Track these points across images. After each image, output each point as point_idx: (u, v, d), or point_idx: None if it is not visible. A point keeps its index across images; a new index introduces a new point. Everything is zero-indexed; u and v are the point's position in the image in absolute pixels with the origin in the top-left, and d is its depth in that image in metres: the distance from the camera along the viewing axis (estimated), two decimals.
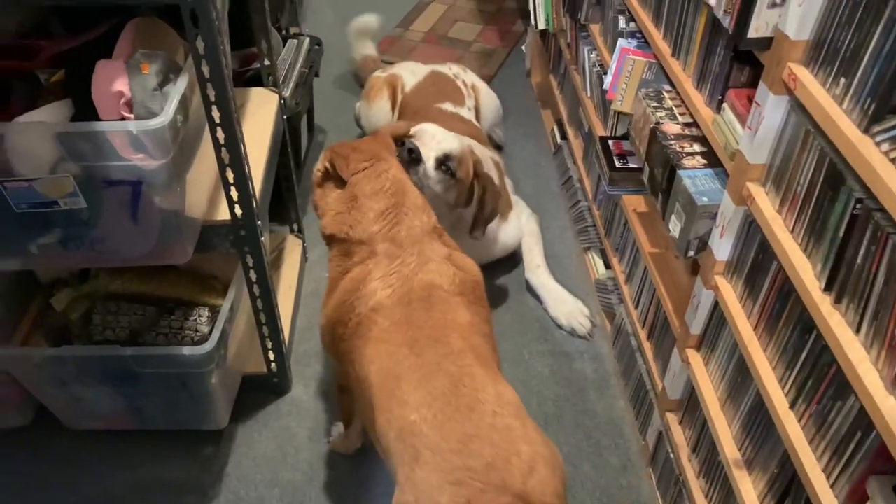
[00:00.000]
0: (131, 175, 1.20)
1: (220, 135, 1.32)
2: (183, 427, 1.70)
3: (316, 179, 1.48)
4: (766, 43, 1.06)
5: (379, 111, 2.38)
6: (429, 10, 3.45)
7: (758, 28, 1.06)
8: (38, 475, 1.66)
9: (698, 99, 1.34)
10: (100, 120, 1.19)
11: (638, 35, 1.68)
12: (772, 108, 1.05)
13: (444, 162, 1.71)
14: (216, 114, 1.28)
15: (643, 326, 1.74)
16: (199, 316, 1.54)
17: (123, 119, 1.19)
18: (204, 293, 1.60)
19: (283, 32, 2.30)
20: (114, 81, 1.15)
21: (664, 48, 1.49)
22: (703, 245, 1.32)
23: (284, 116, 1.92)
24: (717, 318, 1.33)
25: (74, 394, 1.55)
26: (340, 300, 1.32)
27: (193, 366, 1.46)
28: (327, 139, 2.68)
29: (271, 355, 1.75)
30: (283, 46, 2.22)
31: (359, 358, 1.26)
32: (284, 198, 2.11)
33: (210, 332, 1.50)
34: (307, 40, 2.28)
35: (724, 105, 1.23)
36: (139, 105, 1.16)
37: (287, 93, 2.06)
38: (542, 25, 2.43)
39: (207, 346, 1.44)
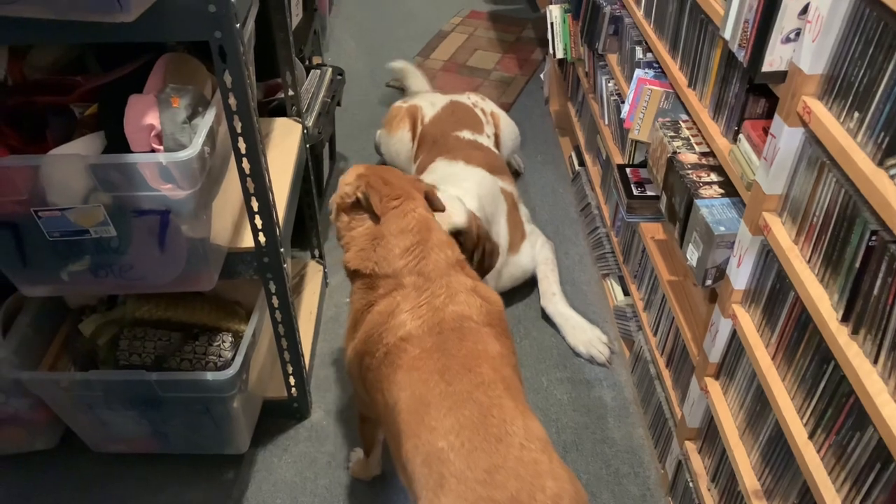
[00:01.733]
0: (160, 205, 1.24)
1: (246, 165, 1.36)
2: (205, 451, 1.72)
3: (343, 205, 1.48)
4: (780, 76, 1.08)
5: (399, 141, 2.42)
6: (449, 39, 3.51)
7: (772, 62, 1.07)
8: (63, 498, 1.68)
9: (714, 129, 1.35)
10: (131, 152, 1.23)
11: (655, 65, 1.70)
12: (787, 140, 1.07)
13: (455, 237, 1.73)
14: (242, 145, 1.32)
15: (662, 354, 1.74)
16: (223, 341, 1.57)
17: (153, 151, 1.23)
18: (227, 319, 1.63)
19: (307, 63, 2.36)
20: (145, 115, 1.19)
21: (680, 79, 1.51)
22: (721, 274, 1.33)
23: (307, 145, 1.97)
24: (736, 346, 1.33)
25: (100, 417, 1.58)
26: (368, 333, 1.34)
27: (216, 390, 1.48)
28: (348, 166, 2.72)
29: (292, 380, 1.77)
30: (307, 76, 2.27)
31: (388, 386, 1.27)
32: (306, 224, 2.14)
33: (233, 358, 1.52)
34: (330, 70, 2.33)
35: (741, 136, 1.24)
36: (169, 137, 1.20)
37: (310, 122, 2.11)
38: (560, 55, 2.46)
39: (230, 372, 1.46)
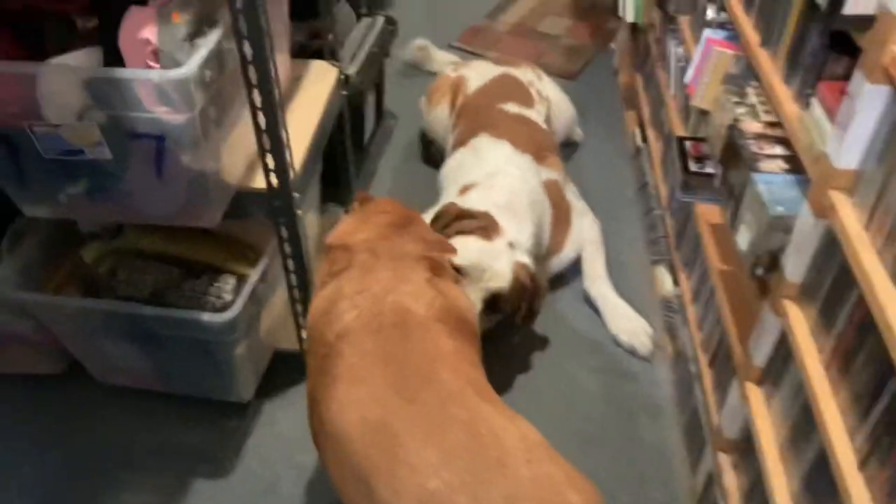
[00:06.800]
0: (155, 128, 1.16)
1: (257, 97, 1.26)
2: (206, 395, 1.67)
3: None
4: (866, 22, 0.89)
5: (436, 117, 2.31)
6: (521, 2, 3.33)
7: (856, 4, 0.88)
8: (65, 425, 1.68)
9: (785, 94, 1.16)
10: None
11: (727, 26, 1.50)
12: (867, 101, 0.88)
13: (492, 303, 1.61)
14: (252, 74, 1.22)
15: (706, 352, 1.56)
16: (225, 283, 1.50)
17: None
18: (235, 261, 1.55)
19: (361, 10, 2.25)
20: (142, 28, 1.11)
21: (752, 38, 1.31)
22: (774, 263, 1.14)
23: (345, 93, 1.86)
24: (784, 350, 1.15)
25: (101, 347, 1.55)
26: (312, 323, 1.20)
27: (213, 333, 1.41)
28: (398, 125, 2.61)
29: (304, 334, 1.69)
30: (357, 23, 2.17)
31: (325, 400, 1.08)
32: (340, 178, 2.05)
33: (233, 301, 1.45)
34: (381, 20, 2.22)
35: (813, 100, 1.05)
36: (165, 55, 1.11)
37: (353, 70, 2.00)
38: (630, 18, 2.27)
39: (228, 315, 1.39)
